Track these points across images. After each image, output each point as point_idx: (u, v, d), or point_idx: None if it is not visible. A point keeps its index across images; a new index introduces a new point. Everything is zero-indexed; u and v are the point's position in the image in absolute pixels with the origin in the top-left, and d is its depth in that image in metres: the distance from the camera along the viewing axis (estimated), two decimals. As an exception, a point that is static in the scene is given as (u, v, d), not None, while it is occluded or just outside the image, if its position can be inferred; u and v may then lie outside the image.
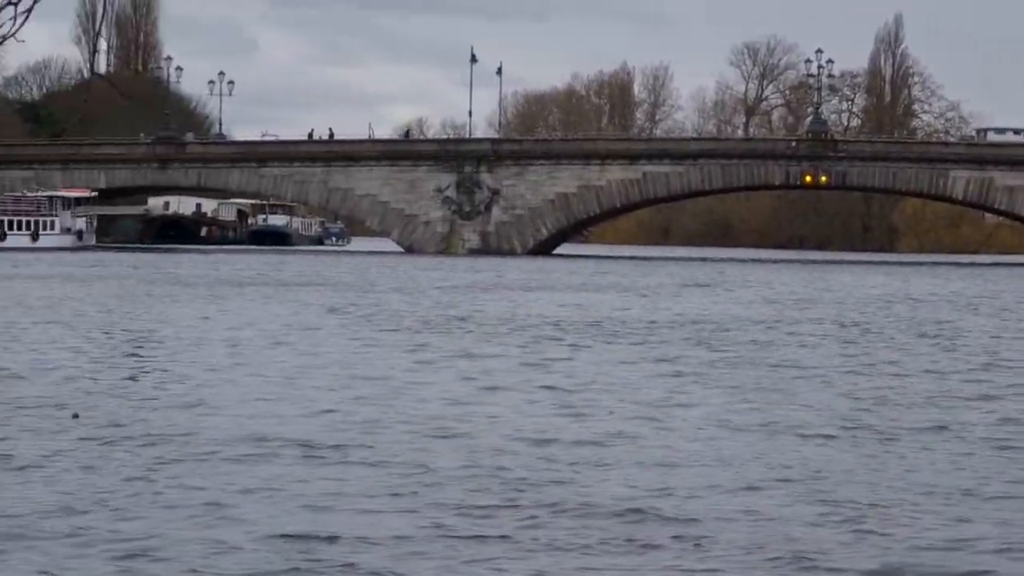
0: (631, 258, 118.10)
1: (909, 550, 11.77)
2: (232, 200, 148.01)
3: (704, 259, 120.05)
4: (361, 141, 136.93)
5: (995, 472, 17.50)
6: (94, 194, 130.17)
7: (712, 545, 12.09)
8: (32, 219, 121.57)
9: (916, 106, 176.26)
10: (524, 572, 10.73)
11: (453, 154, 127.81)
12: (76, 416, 23.37)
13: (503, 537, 12.25)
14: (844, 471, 17.99)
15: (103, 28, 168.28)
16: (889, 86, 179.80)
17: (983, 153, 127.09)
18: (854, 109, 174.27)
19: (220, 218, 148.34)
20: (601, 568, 11.26)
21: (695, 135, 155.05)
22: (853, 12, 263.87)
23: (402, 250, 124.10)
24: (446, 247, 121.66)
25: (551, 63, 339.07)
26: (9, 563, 10.80)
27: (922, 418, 25.04)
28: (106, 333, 44.28)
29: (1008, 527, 12.86)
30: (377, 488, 15.51)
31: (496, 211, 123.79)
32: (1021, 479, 16.92)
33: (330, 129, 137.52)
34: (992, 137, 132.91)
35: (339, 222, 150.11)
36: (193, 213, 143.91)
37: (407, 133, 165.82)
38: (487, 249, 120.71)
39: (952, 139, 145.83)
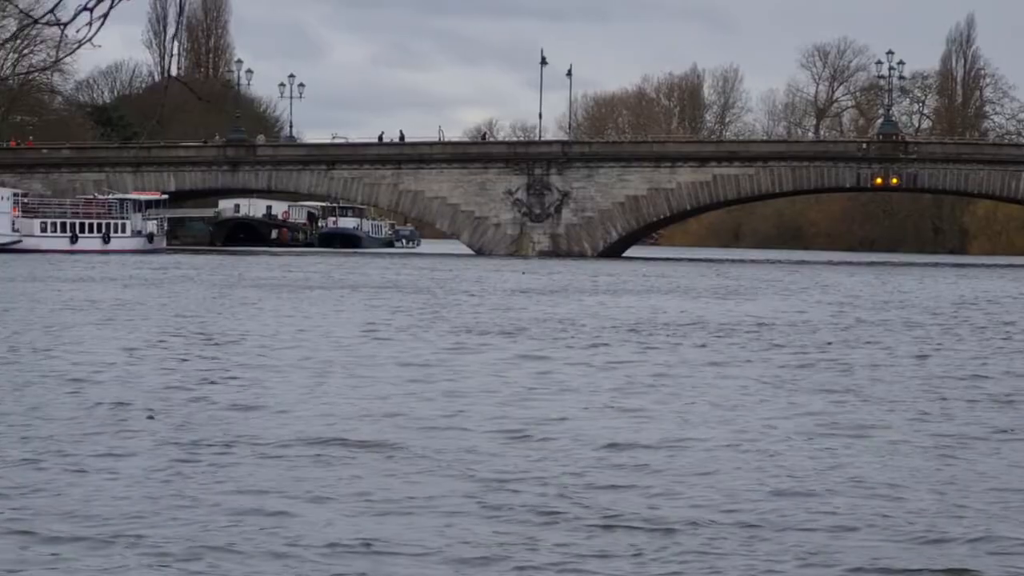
0: (703, 260, 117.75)
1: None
2: (302, 203, 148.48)
3: (775, 262, 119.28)
4: (431, 143, 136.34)
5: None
6: (165, 197, 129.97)
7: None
8: (103, 222, 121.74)
9: (988, 107, 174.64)
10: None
11: (523, 157, 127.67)
12: (151, 417, 23.42)
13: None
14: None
15: (177, 31, 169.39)
16: (960, 87, 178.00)
17: None
18: (925, 111, 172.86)
19: (291, 221, 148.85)
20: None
21: (765, 137, 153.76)
22: (925, 13, 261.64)
23: (472, 252, 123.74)
24: (516, 249, 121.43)
25: (620, 65, 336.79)
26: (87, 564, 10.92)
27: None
28: (178, 336, 44.01)
29: None
30: (453, 492, 15.21)
31: (566, 213, 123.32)
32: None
33: (400, 131, 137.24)
34: None
35: (409, 224, 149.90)
36: (263, 216, 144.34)
37: (483, 136, 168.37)
38: (557, 251, 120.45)
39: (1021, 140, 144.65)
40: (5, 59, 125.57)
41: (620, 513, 16.12)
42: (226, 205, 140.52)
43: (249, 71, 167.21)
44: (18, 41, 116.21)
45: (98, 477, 17.95)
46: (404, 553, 12.97)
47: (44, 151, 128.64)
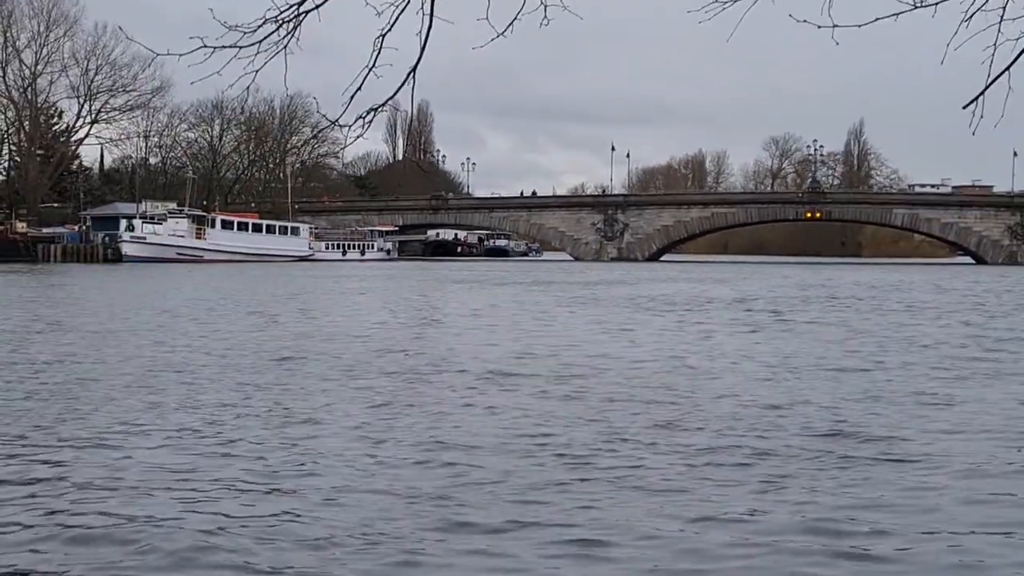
0: (709, 263, 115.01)
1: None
2: (475, 230, 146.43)
3: (747, 263, 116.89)
4: (549, 196, 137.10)
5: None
6: (396, 228, 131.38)
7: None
8: (361, 243, 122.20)
9: (872, 171, 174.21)
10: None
11: (601, 203, 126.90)
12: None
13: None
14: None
15: (408, 133, 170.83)
16: (856, 160, 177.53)
17: (912, 199, 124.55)
18: (836, 173, 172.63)
19: (468, 241, 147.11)
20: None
21: (742, 191, 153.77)
22: (835, 116, 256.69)
23: (572, 259, 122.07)
24: (596, 256, 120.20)
25: (657, 150, 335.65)
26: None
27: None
28: (409, 301, 43.56)
29: None
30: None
31: (627, 236, 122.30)
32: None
33: (534, 191, 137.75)
34: (917, 189, 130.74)
35: (536, 243, 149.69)
36: (453, 239, 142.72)
37: (577, 191, 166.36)
38: (621, 257, 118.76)
39: (893, 191, 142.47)
40: (308, 149, 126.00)
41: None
42: (431, 233, 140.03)
43: (444, 155, 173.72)
44: (314, 139, 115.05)
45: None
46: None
47: (327, 202, 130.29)
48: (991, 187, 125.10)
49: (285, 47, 5.01)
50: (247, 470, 9.87)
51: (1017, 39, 5.15)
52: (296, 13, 5.00)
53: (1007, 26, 4.97)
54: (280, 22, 4.98)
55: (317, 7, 5.00)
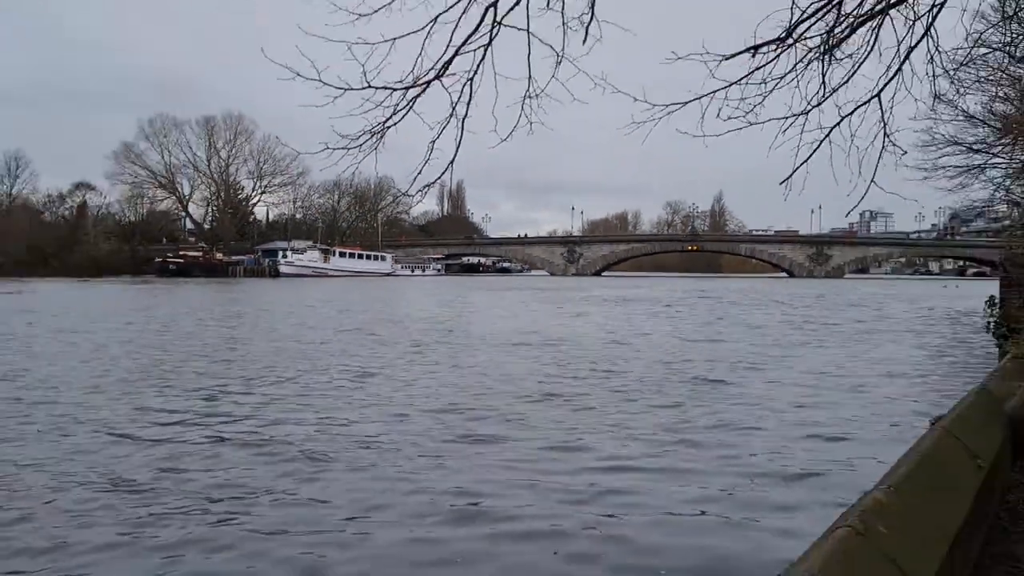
0: (631, 277, 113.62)
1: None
2: (490, 257, 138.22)
3: (654, 277, 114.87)
4: (535, 237, 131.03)
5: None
6: (443, 256, 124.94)
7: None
8: (422, 265, 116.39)
9: (727, 222, 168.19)
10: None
11: (567, 241, 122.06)
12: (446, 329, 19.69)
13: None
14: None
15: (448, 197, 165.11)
16: (718, 215, 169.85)
17: (751, 238, 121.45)
18: (706, 223, 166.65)
19: (486, 264, 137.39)
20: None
21: (650, 234, 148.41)
22: (706, 188, 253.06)
23: (548, 274, 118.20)
24: (563, 273, 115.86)
25: (600, 209, 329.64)
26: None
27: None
28: (453, 301, 39.45)
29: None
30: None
31: (582, 260, 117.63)
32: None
33: (526, 233, 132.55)
34: (754, 232, 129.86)
35: (527, 265, 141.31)
36: (477, 263, 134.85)
37: (550, 234, 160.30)
38: (578, 273, 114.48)
39: (740, 233, 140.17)
40: (390, 208, 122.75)
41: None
42: (464, 259, 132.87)
43: (472, 212, 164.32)
44: (393, 202, 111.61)
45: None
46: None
47: (402, 241, 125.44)
48: (798, 230, 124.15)
49: (375, 148, 4.84)
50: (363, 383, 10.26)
51: (812, 143, 5.08)
52: (382, 127, 4.81)
53: (806, 136, 4.92)
54: (372, 133, 4.83)
55: (395, 124, 4.81)
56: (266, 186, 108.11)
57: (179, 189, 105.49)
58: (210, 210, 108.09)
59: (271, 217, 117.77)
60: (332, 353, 14.81)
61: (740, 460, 6.64)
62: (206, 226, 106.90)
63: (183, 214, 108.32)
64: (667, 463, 6.46)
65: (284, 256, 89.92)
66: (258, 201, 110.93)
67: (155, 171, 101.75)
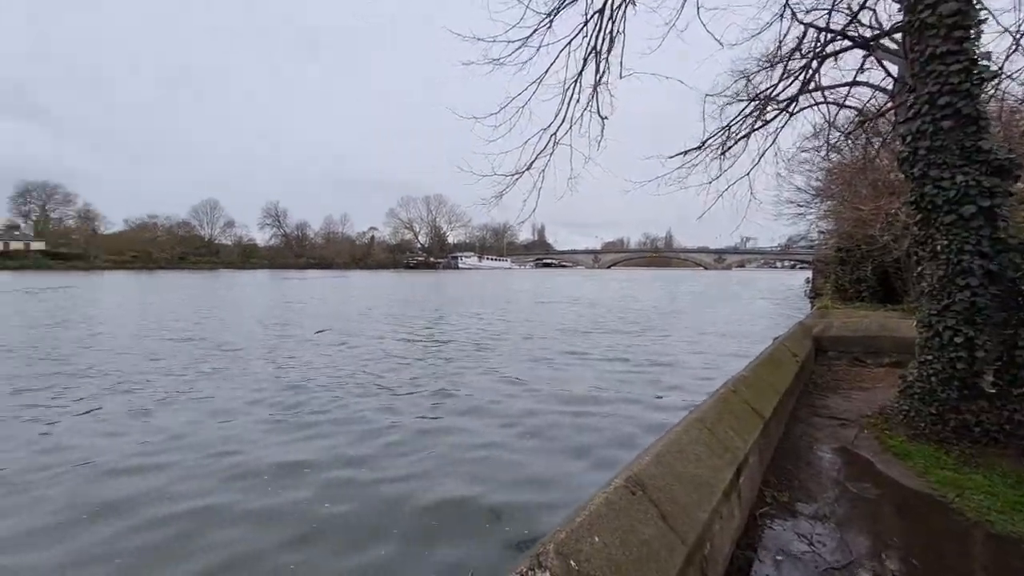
0: (625, 271, 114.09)
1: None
2: (557, 260, 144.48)
3: (636, 271, 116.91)
4: (577, 250, 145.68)
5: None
6: (534, 259, 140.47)
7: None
8: (523, 265, 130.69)
9: (675, 243, 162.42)
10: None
11: (592, 252, 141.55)
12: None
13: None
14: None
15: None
16: (669, 239, 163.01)
17: (686, 250, 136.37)
18: (661, 244, 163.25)
19: (553, 263, 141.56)
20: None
21: (635, 249, 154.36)
22: (656, 225, 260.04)
23: (584, 268, 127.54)
24: (591, 268, 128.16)
25: (610, 233, 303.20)
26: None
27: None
28: (547, 281, 41.24)
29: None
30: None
31: (600, 262, 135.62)
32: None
33: (574, 248, 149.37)
34: (688, 248, 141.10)
35: (574, 263, 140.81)
36: (550, 263, 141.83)
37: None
38: (598, 268, 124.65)
39: (680, 248, 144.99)
40: (509, 235, 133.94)
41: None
42: (544, 261, 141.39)
43: (547, 237, 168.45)
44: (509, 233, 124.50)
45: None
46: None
47: (515, 251, 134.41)
48: (708, 246, 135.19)
49: (496, 205, 6.32)
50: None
51: (715, 198, 6.85)
52: (500, 195, 6.17)
53: (711, 195, 6.47)
54: (496, 197, 6.21)
55: (507, 192, 6.19)
56: (451, 225, 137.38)
57: (413, 228, 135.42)
58: (428, 239, 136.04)
59: (454, 240, 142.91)
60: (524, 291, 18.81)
61: (662, 356, 8.86)
62: (427, 245, 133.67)
63: (417, 241, 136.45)
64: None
65: (461, 260, 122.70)
66: (447, 233, 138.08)
67: (403, 220, 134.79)
